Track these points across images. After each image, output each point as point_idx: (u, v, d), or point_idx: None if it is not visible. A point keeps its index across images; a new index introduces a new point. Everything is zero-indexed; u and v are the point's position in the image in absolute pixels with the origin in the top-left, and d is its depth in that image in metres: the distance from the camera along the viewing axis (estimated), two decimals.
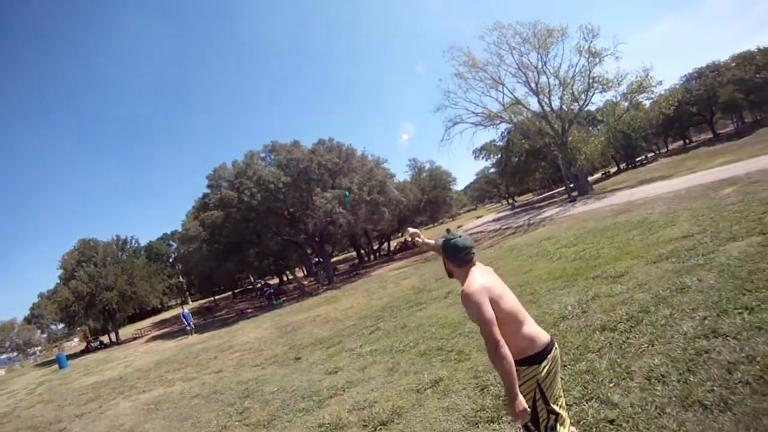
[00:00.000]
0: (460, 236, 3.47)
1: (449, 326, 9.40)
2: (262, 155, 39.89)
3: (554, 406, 3.08)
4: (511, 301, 3.23)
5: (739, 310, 5.28)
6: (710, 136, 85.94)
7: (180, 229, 50.21)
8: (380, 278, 29.00)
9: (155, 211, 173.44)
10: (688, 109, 77.25)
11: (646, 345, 5.27)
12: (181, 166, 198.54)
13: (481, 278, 3.26)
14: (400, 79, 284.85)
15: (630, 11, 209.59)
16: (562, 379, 3.64)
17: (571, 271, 11.05)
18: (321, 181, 38.32)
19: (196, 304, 62.23)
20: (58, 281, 43.80)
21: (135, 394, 12.55)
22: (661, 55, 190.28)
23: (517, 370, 2.82)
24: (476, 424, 4.85)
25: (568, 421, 3.19)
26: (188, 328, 29.41)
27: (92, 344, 41.76)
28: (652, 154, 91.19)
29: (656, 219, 14.24)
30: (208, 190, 39.39)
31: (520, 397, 2.75)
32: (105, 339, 44.76)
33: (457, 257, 3.41)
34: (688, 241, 9.75)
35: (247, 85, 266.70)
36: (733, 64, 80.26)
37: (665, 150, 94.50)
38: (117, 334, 43.73)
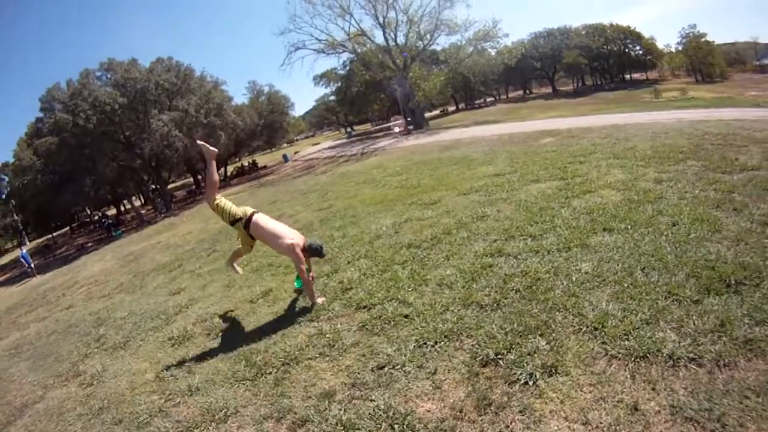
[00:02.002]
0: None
1: None
2: (98, 74, 36.36)
3: None
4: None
5: (524, 237, 6.34)
6: (550, 90, 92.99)
7: (12, 160, 45.36)
8: None
9: None
10: (533, 63, 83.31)
11: (443, 260, 6.21)
12: (10, 84, 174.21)
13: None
14: None
15: None
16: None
17: (392, 197, 12.08)
18: (158, 103, 36.51)
19: (34, 244, 56.57)
20: None
21: None
22: (514, 9, 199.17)
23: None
24: (300, 323, 5.52)
25: None
26: (29, 269, 27.52)
27: None
28: (492, 98, 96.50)
29: (477, 157, 15.76)
30: (41, 114, 35.68)
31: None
32: None
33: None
34: (498, 178, 11.02)
35: None
36: (583, 32, 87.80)
37: (506, 97, 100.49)
38: None
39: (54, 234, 60.58)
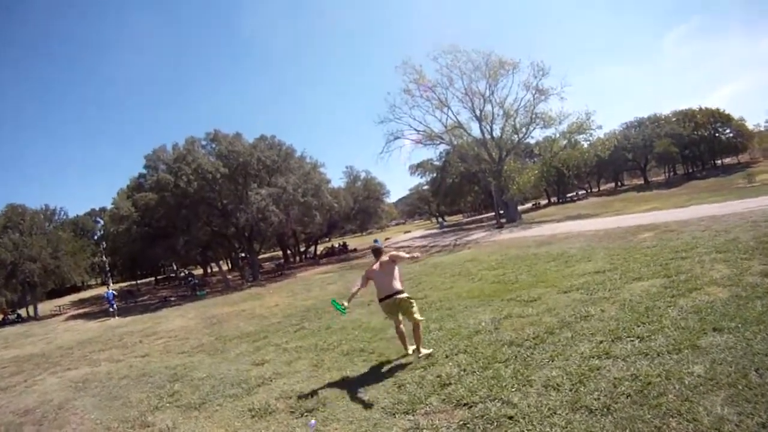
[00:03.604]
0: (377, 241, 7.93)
1: (371, 330, 10.05)
2: (203, 143, 39.45)
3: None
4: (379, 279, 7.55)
5: (632, 338, 6.14)
6: (642, 182, 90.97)
7: (110, 207, 48.85)
8: (305, 280, 29.47)
9: (85, 185, 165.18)
10: (624, 155, 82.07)
11: (547, 360, 6.05)
12: (117, 142, 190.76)
13: (375, 265, 7.65)
14: (348, 85, 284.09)
15: (584, 53, 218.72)
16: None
17: (489, 291, 12.00)
18: (258, 177, 38.44)
19: (117, 286, 60.13)
20: None
21: (60, 371, 12.37)
22: (606, 99, 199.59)
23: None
24: (393, 414, 5.45)
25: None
26: (111, 309, 28.80)
27: (9, 316, 39.81)
28: (584, 191, 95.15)
29: (574, 253, 15.48)
30: (144, 171, 38.60)
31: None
32: (23, 313, 42.60)
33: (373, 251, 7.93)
34: (599, 276, 10.80)
35: (193, 69, 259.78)
36: (674, 119, 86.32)
37: (597, 189, 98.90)
38: (36, 308, 42.13)
39: (138, 281, 63.33)
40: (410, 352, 7.59)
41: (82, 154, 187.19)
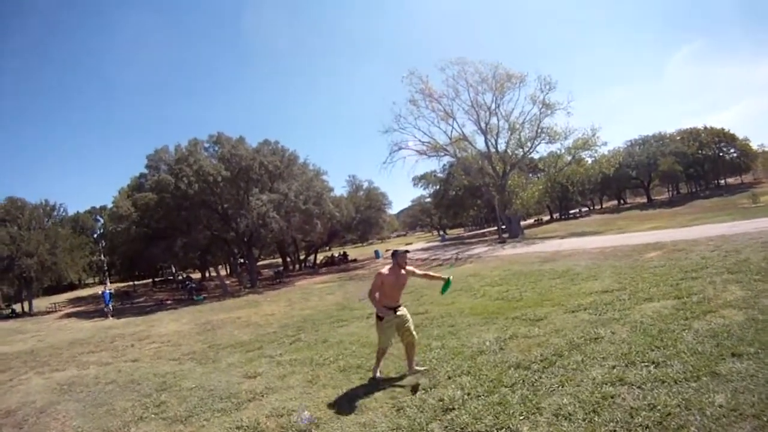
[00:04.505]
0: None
1: (370, 346, 9.47)
2: (206, 145, 39.72)
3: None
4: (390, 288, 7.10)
5: (646, 364, 5.77)
6: (644, 200, 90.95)
7: (110, 206, 49.37)
8: (304, 289, 29.19)
9: (85, 182, 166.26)
10: (628, 172, 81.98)
11: (557, 385, 5.66)
12: (120, 140, 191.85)
13: (387, 270, 7.14)
14: (351, 91, 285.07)
15: (592, 71, 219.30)
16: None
17: (492, 309, 11.60)
18: (260, 182, 38.58)
19: (114, 286, 60.37)
20: None
21: (48, 372, 12.14)
22: (610, 118, 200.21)
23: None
24: None
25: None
26: (106, 309, 28.86)
27: (3, 311, 40.51)
28: (587, 208, 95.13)
29: (580, 271, 15.15)
30: (145, 171, 38.80)
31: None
32: (17, 307, 42.94)
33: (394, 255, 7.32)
34: (607, 295, 10.45)
35: (198, 71, 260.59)
36: (678, 138, 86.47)
37: (600, 207, 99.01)
38: (30, 304, 42.40)
39: (135, 282, 63.44)
40: (378, 375, 7.34)
41: (87, 151, 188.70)
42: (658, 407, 4.59)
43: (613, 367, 5.86)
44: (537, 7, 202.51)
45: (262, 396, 7.39)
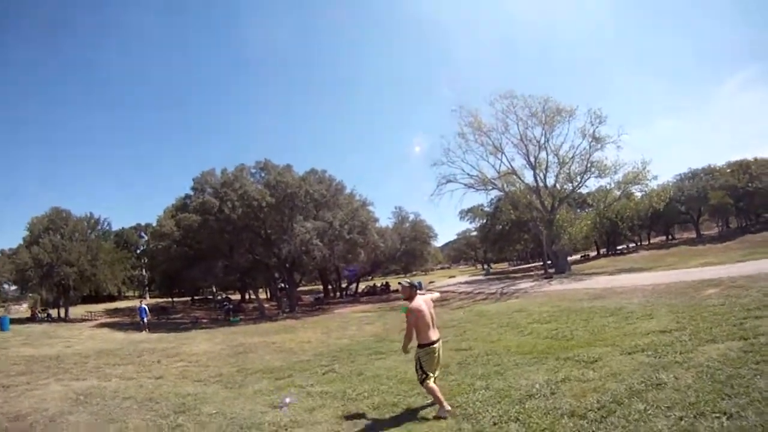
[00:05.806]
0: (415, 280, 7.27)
1: (408, 383, 8.95)
2: (253, 171, 40.44)
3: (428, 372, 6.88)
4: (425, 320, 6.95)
5: (717, 415, 5.16)
6: (693, 235, 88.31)
7: (154, 224, 50.78)
8: (343, 317, 28.86)
9: (135, 200, 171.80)
10: (677, 207, 79.62)
11: None
12: (170, 162, 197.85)
13: (418, 303, 6.98)
14: (402, 126, 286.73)
15: (641, 104, 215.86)
16: None
17: (541, 348, 10.92)
18: (305, 210, 38.85)
19: (153, 301, 61.46)
20: (22, 242, 44.02)
21: (68, 380, 12.09)
22: (659, 150, 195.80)
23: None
24: None
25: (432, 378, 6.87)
26: (142, 323, 29.22)
27: (38, 314, 41.33)
28: (634, 244, 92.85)
29: (634, 309, 14.34)
30: (191, 192, 39.59)
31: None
32: (54, 313, 43.77)
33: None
34: (665, 336, 9.73)
35: (250, 98, 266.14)
36: (728, 170, 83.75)
37: (647, 242, 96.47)
38: (67, 311, 43.15)
39: (175, 299, 64.34)
40: (449, 408, 6.75)
41: (137, 172, 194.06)
42: None
43: (681, 418, 5.25)
44: (580, 36, 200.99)
45: (286, 430, 6.94)
